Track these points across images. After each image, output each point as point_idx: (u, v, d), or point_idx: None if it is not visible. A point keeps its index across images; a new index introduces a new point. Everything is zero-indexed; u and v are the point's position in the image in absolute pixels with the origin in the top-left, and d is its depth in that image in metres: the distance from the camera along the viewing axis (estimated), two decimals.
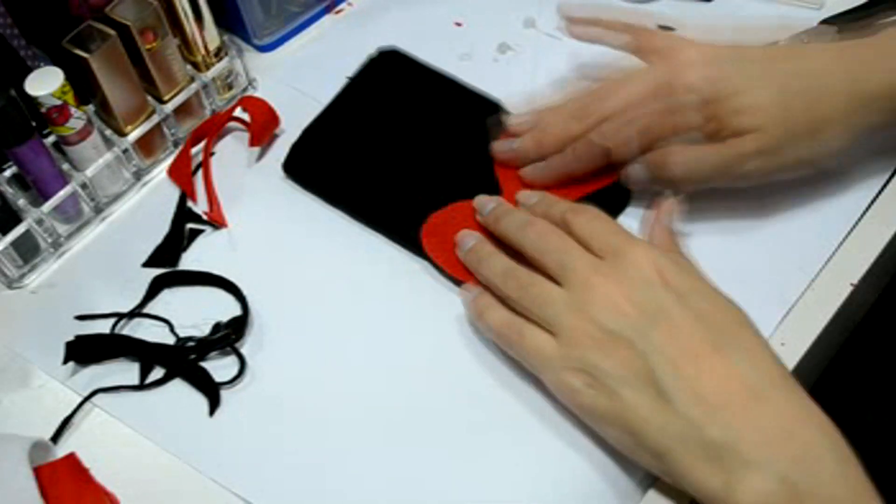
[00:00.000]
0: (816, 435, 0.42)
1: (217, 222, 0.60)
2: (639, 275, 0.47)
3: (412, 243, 0.57)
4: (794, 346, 0.52)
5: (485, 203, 0.55)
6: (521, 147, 0.58)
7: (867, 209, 0.56)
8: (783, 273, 0.54)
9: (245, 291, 0.56)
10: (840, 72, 0.53)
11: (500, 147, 0.59)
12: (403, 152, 0.61)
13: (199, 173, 0.62)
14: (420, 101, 0.63)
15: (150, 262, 0.59)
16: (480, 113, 0.62)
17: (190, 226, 0.60)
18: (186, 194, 0.61)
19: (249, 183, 0.62)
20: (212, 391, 0.53)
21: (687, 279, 0.47)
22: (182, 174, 0.62)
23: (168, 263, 0.59)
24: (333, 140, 0.62)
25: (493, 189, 0.58)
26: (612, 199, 0.58)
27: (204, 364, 0.54)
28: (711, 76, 0.53)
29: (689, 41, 0.55)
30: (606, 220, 0.51)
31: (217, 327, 0.55)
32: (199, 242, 0.60)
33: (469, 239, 0.54)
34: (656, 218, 0.53)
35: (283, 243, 0.59)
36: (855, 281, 0.53)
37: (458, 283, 0.55)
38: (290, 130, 0.63)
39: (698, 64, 0.53)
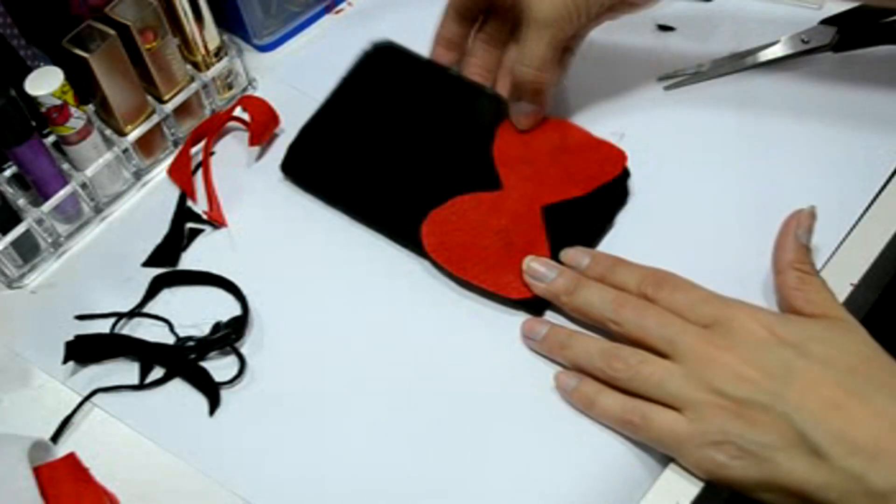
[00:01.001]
0: None
1: (217, 222, 0.60)
2: (751, 337, 0.47)
3: (412, 242, 0.57)
4: None
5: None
6: None
7: (867, 209, 0.56)
8: None
9: (245, 291, 0.56)
10: None
11: None
12: (401, 148, 0.60)
13: (199, 173, 0.62)
14: (417, 94, 0.62)
15: (150, 262, 0.59)
16: (479, 104, 0.61)
17: (190, 225, 0.60)
18: (186, 194, 0.61)
19: (249, 183, 0.62)
20: (212, 391, 0.53)
21: (797, 329, 0.47)
22: (182, 174, 0.62)
23: (168, 263, 0.59)
24: (330, 139, 0.61)
25: (494, 183, 0.57)
26: (614, 195, 0.58)
27: (204, 364, 0.54)
28: None
29: None
30: (691, 288, 0.50)
31: (217, 327, 0.55)
32: (199, 242, 0.60)
33: (540, 327, 0.52)
34: (788, 229, 0.52)
35: (283, 243, 0.59)
36: (855, 281, 0.53)
37: (459, 281, 0.55)
38: (290, 130, 0.63)
39: None
